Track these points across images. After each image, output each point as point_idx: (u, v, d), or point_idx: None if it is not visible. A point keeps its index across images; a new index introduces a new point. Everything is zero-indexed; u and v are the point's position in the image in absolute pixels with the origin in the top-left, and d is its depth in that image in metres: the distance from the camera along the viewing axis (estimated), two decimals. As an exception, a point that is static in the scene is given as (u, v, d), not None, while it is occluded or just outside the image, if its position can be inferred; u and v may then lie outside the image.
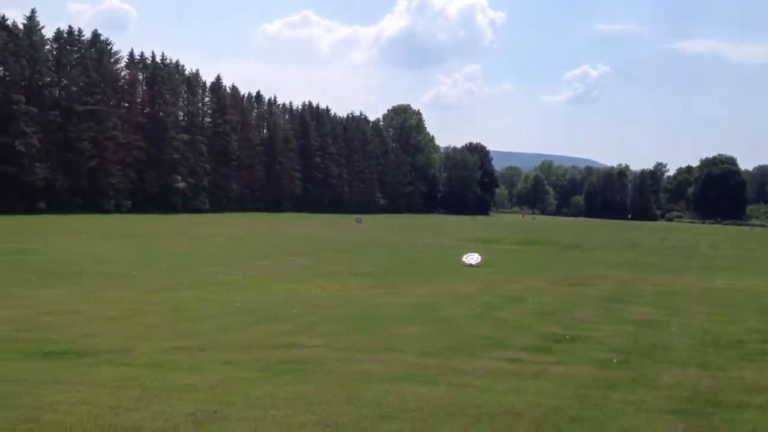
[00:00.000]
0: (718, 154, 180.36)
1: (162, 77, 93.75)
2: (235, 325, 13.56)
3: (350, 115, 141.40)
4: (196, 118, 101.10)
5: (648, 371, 9.98)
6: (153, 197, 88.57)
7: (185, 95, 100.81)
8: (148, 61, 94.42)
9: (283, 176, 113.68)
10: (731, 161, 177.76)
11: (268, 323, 13.79)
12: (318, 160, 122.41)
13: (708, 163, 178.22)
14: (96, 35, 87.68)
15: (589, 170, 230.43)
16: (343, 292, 19.92)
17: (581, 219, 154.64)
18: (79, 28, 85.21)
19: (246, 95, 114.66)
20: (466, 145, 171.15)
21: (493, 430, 6.98)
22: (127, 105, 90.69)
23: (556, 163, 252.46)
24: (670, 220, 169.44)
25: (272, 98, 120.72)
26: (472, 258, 30.17)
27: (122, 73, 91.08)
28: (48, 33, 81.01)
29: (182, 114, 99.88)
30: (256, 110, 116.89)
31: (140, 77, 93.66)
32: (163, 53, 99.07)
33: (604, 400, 8.26)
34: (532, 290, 20.62)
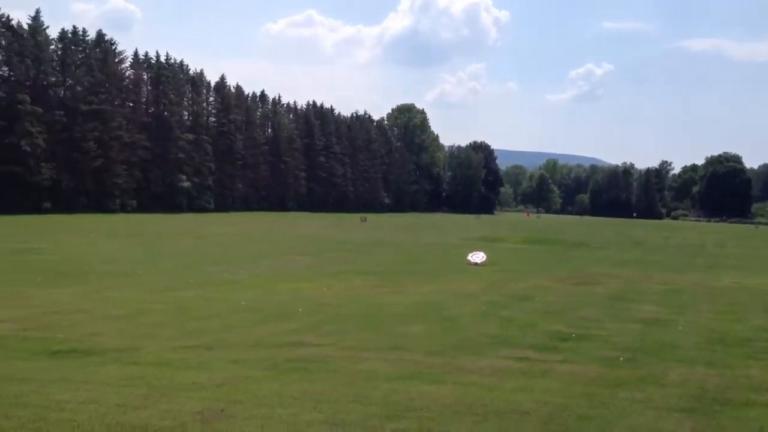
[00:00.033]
0: (724, 152, 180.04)
1: (166, 77, 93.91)
2: (241, 323, 13.57)
3: (354, 115, 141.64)
4: (200, 118, 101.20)
5: (655, 369, 9.96)
6: (158, 197, 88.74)
7: (190, 95, 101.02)
8: (153, 61, 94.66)
9: (287, 176, 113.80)
10: (736, 159, 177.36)
11: (274, 322, 13.79)
12: (322, 159, 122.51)
13: (713, 161, 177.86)
14: (100, 35, 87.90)
15: (594, 169, 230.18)
16: (349, 291, 19.91)
17: (586, 217, 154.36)
18: (84, 28, 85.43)
19: (250, 95, 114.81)
20: (470, 143, 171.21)
21: (500, 428, 6.96)
22: (131, 105, 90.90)
23: (560, 162, 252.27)
24: (675, 218, 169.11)
25: (276, 98, 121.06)
26: (478, 257, 30.13)
27: (127, 73, 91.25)
28: (53, 33, 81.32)
29: (187, 114, 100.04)
30: (260, 110, 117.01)
31: (145, 77, 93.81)
32: (167, 53, 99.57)
33: (612, 399, 8.25)
34: (538, 289, 20.58)
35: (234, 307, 15.91)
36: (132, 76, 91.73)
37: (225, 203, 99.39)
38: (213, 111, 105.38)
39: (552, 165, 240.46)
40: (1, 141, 69.93)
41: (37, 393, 7.86)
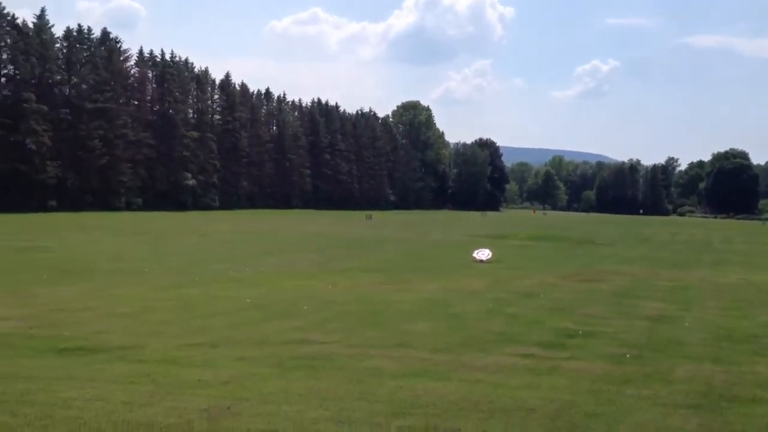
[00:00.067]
0: (730, 149, 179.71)
1: (171, 75, 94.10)
2: (246, 321, 13.57)
3: (359, 112, 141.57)
4: (205, 116, 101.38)
5: (662, 366, 9.93)
6: (163, 195, 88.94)
7: (194, 93, 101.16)
8: (158, 59, 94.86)
9: (292, 173, 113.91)
10: (743, 155, 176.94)
11: (280, 319, 13.78)
12: (327, 156, 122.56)
13: (720, 158, 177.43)
14: (105, 33, 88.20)
15: (600, 165, 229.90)
16: (354, 288, 19.88)
17: (592, 214, 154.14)
18: (89, 27, 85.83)
19: (255, 92, 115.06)
20: (476, 140, 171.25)
21: (506, 425, 6.95)
22: (136, 103, 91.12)
23: (566, 159, 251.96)
24: (681, 214, 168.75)
25: (281, 95, 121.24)
26: (483, 254, 30.05)
27: (132, 71, 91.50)
28: (58, 31, 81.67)
29: (192, 111, 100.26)
30: (265, 107, 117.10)
31: (150, 75, 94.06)
32: (172, 51, 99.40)
33: (619, 395, 8.23)
34: (544, 286, 20.53)
35: (239, 304, 15.91)
36: (137, 74, 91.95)
37: (230, 201, 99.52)
38: (218, 109, 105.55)
39: (558, 162, 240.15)
40: (6, 139, 70.14)
41: (43, 391, 7.88)
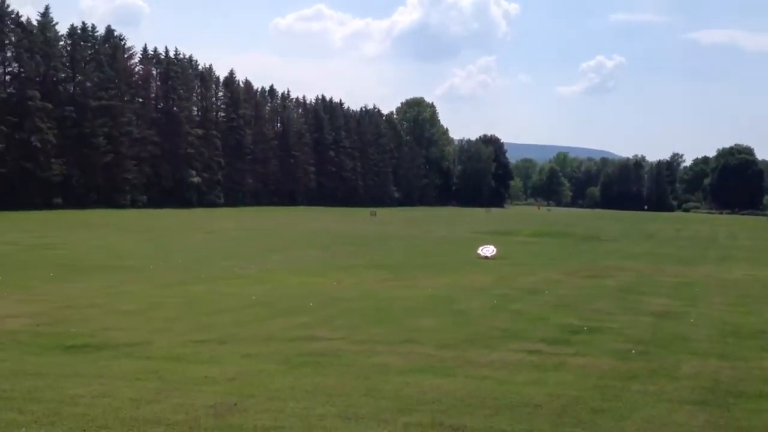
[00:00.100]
0: (735, 144, 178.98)
1: (175, 72, 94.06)
2: (252, 318, 13.61)
3: (364, 109, 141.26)
4: (210, 113, 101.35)
5: (668, 362, 9.93)
6: (168, 192, 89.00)
7: (199, 90, 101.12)
8: (162, 57, 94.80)
9: (297, 170, 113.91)
10: (748, 151, 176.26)
11: (286, 316, 13.82)
12: (332, 153, 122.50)
13: (725, 154, 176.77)
14: (109, 31, 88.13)
15: (605, 161, 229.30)
16: (360, 285, 19.91)
17: (597, 210, 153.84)
18: (93, 24, 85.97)
19: (259, 89, 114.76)
20: (480, 137, 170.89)
21: (512, 421, 6.95)
22: (141, 100, 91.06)
23: (571, 155, 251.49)
24: (686, 210, 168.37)
25: (285, 92, 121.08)
26: (488, 250, 30.06)
27: (136, 69, 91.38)
28: (62, 29, 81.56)
29: (196, 109, 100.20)
30: (269, 104, 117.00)
31: (154, 72, 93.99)
32: (176, 48, 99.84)
33: (624, 391, 8.23)
34: (549, 282, 20.54)
35: (245, 301, 15.95)
36: (141, 72, 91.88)
37: (235, 198, 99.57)
38: (222, 106, 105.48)
39: (562, 158, 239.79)
40: (11, 137, 70.22)
41: (51, 388, 7.91)
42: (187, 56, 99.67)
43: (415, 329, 12.25)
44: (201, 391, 7.81)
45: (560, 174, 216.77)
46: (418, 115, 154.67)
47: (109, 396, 7.52)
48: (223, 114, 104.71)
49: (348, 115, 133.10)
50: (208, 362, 9.53)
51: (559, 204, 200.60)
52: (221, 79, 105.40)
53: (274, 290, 18.41)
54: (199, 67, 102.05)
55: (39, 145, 71.39)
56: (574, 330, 12.39)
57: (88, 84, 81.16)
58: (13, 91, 74.11)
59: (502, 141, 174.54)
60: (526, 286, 19.49)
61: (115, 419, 6.66)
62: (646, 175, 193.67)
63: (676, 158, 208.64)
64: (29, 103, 71.88)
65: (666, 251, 37.44)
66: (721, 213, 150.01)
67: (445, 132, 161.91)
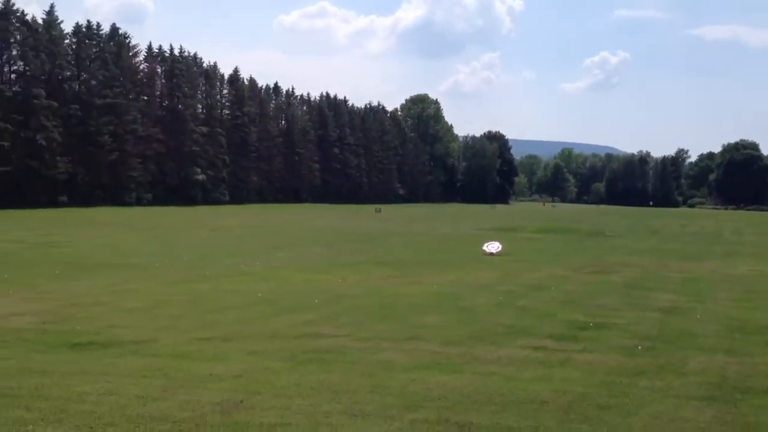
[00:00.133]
0: (740, 140, 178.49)
1: (180, 70, 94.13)
2: (257, 315, 13.61)
3: (368, 106, 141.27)
4: (214, 111, 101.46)
5: (674, 358, 9.90)
6: (173, 190, 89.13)
7: (203, 88, 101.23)
8: (166, 54, 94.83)
9: (301, 167, 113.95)
10: (753, 147, 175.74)
11: (291, 313, 13.82)
12: (336, 150, 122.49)
13: (730, 149, 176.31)
14: (114, 29, 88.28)
15: (610, 157, 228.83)
16: (365, 282, 19.92)
17: (602, 206, 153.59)
18: (98, 23, 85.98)
19: (264, 87, 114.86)
20: (484, 133, 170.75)
21: (519, 417, 6.94)
22: (146, 98, 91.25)
23: (576, 151, 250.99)
24: (691, 206, 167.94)
25: (290, 89, 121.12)
26: (493, 246, 30.05)
27: (141, 67, 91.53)
28: (67, 27, 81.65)
29: (201, 106, 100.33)
30: (274, 102, 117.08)
31: (159, 70, 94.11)
32: (181, 46, 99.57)
33: (631, 388, 8.21)
34: (555, 278, 20.50)
35: (250, 298, 15.97)
36: (146, 70, 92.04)
37: (240, 196, 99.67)
38: (227, 104, 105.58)
39: (567, 154, 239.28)
40: (17, 135, 70.38)
41: (57, 385, 7.92)
42: (191, 54, 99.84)
43: (421, 326, 12.24)
44: (207, 389, 7.82)
45: (565, 170, 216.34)
46: (423, 112, 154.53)
47: (116, 393, 7.52)
48: (227, 111, 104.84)
49: (352, 112, 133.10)
50: (213, 359, 9.54)
51: (564, 200, 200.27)
52: (226, 76, 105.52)
53: (279, 287, 18.42)
54: (204, 65, 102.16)
55: (44, 143, 71.53)
56: (580, 326, 12.36)
57: (93, 82, 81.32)
58: (19, 89, 74.32)
59: (506, 137, 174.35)
60: (531, 283, 19.45)
61: (122, 416, 6.67)
62: (651, 171, 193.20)
63: (681, 154, 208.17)
64: (34, 101, 72.00)
65: (671, 247, 37.36)
66: (726, 208, 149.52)
67: (450, 129, 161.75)
